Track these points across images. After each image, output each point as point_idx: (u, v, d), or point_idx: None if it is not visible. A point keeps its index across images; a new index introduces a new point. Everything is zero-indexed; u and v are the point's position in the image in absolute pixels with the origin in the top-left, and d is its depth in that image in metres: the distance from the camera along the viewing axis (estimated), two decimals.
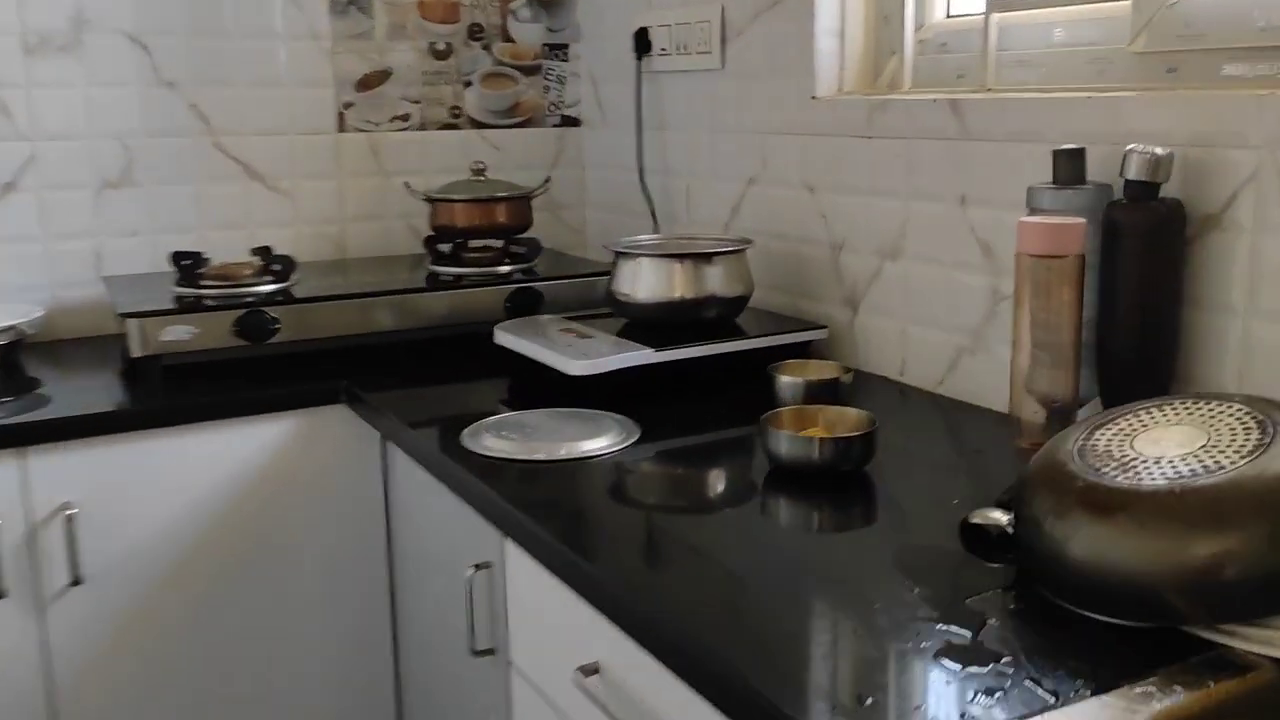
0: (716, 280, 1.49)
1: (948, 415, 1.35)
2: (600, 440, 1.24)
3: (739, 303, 1.52)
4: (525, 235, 1.89)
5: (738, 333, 1.49)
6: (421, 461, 1.31)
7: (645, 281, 1.50)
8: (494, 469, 1.18)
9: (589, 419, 1.31)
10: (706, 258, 1.49)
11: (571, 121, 2.18)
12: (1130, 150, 1.08)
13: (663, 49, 1.89)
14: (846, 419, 1.18)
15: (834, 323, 1.57)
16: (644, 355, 1.40)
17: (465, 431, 1.29)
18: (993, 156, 1.31)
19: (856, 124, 1.50)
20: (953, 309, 1.38)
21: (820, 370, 1.35)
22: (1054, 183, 1.16)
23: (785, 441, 1.12)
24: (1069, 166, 1.14)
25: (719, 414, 1.36)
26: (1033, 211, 1.17)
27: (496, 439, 1.25)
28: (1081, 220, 1.07)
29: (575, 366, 1.37)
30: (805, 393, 1.29)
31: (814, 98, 1.58)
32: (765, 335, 1.48)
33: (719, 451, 1.24)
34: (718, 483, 1.15)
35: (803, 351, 1.51)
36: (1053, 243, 1.07)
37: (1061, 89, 1.29)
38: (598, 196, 2.17)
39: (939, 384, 1.42)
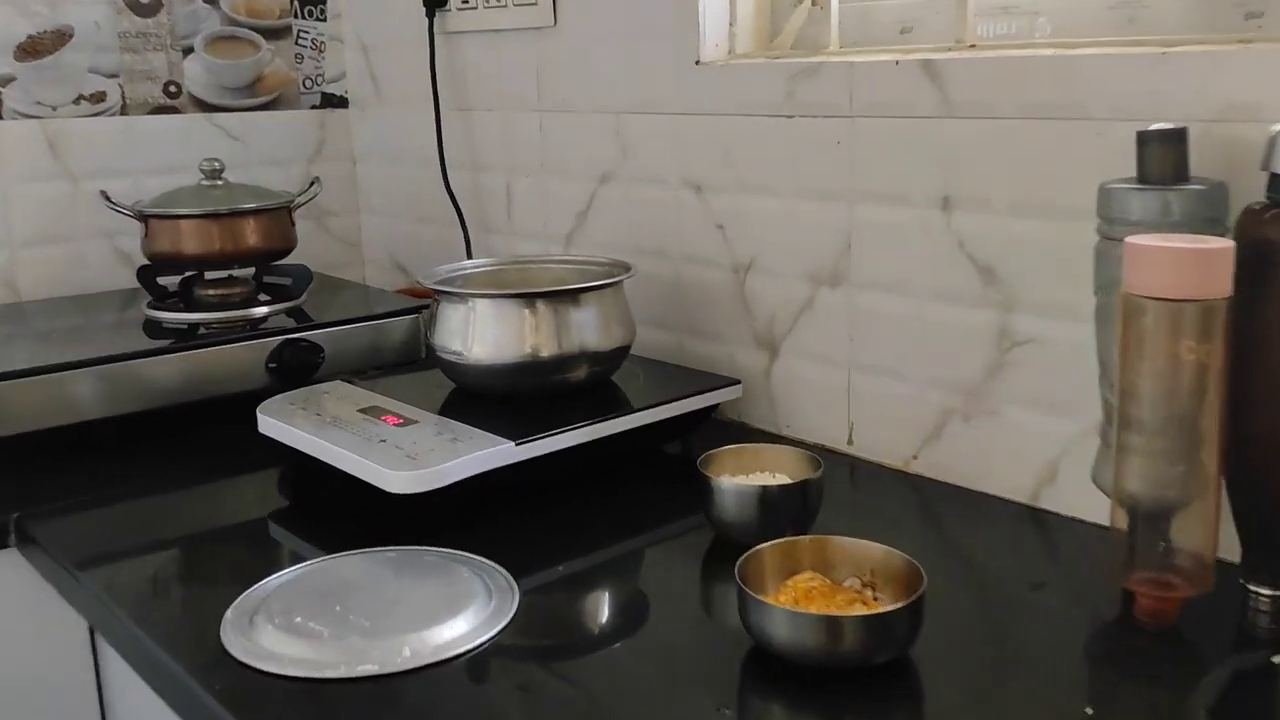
0: (589, 328, 1.03)
1: (948, 508, 0.95)
2: (459, 620, 0.76)
3: (617, 356, 1.07)
4: (287, 261, 1.36)
5: (621, 402, 1.04)
6: (154, 684, 0.78)
7: (484, 334, 1.02)
8: (282, 700, 0.69)
9: (431, 569, 0.83)
10: (572, 297, 1.03)
11: (336, 101, 1.65)
12: None
13: (465, 2, 1.40)
14: (854, 554, 0.76)
15: (742, 372, 1.14)
16: (500, 453, 0.93)
17: (227, 616, 0.78)
18: (994, 140, 0.91)
19: (768, 98, 1.07)
20: (935, 355, 0.99)
21: (773, 461, 0.92)
22: (1140, 180, 0.77)
23: (786, 622, 0.69)
24: (1165, 156, 0.76)
25: (620, 533, 0.91)
26: (1109, 225, 0.78)
27: (281, 632, 0.75)
28: (1230, 244, 0.69)
29: (398, 480, 0.88)
30: (761, 509, 0.85)
31: (699, 63, 1.14)
32: (665, 402, 1.03)
33: (659, 621, 0.79)
34: (680, 698, 0.69)
35: (703, 417, 1.07)
36: (1191, 277, 0.68)
37: (1100, 42, 0.91)
38: (377, 199, 1.65)
39: (911, 459, 1.02)
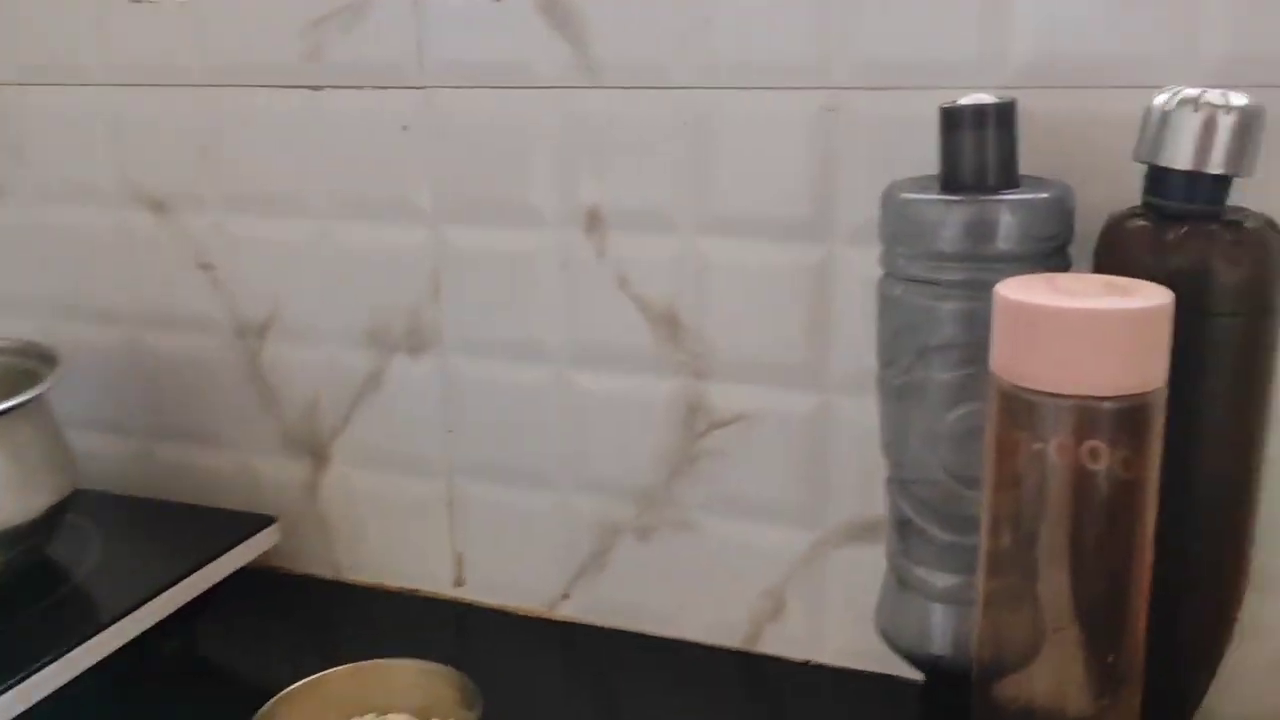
0: None
1: (618, 667, 0.63)
2: None
3: (45, 524, 0.61)
4: None
5: (65, 620, 0.58)
6: None
7: None
8: None
9: None
10: None
11: None
12: (1173, 98, 0.45)
13: None
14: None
15: (270, 493, 0.73)
16: None
17: None
18: (661, 124, 0.59)
19: (275, 56, 0.66)
20: (588, 445, 0.65)
21: (384, 689, 0.53)
22: (947, 184, 0.49)
23: None
24: (981, 142, 0.48)
25: None
26: (903, 254, 0.49)
27: None
28: (1170, 297, 0.42)
29: None
30: None
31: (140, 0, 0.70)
32: (147, 600, 0.59)
33: None
34: None
35: (219, 590, 0.65)
36: (1097, 364, 0.41)
37: None
38: None
39: (561, 599, 0.69)
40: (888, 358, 0.52)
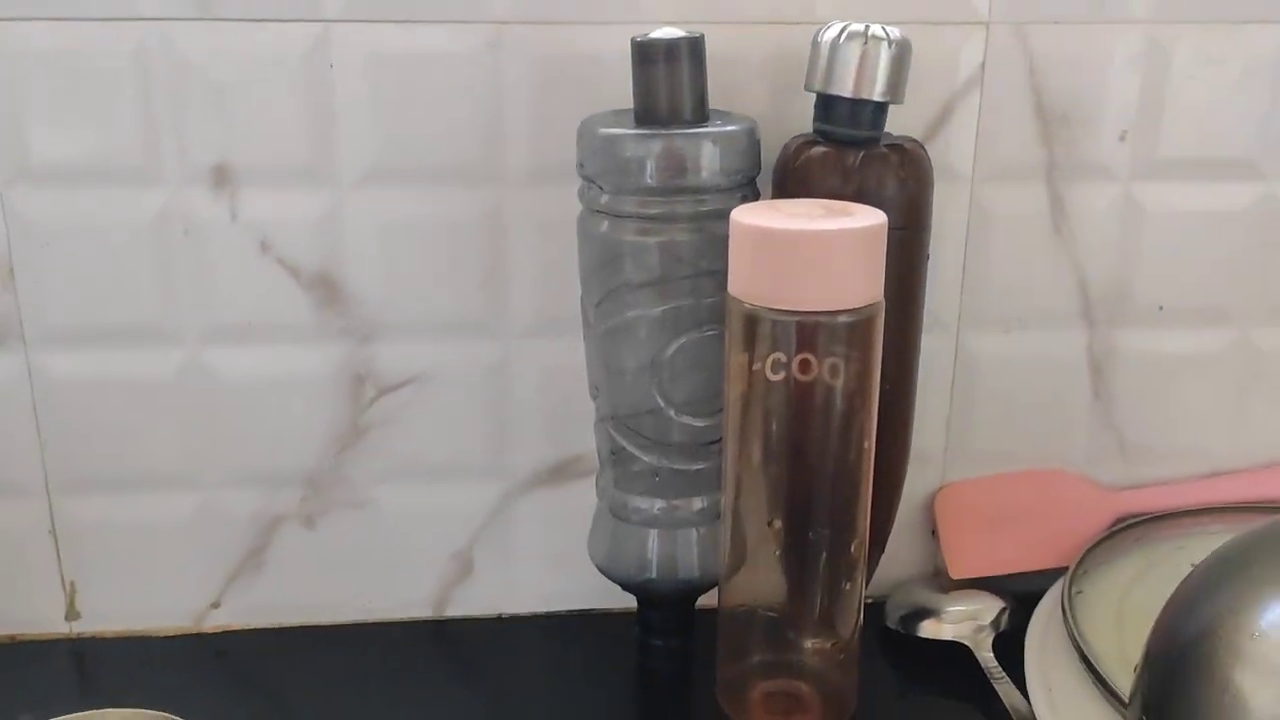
0: None
1: (294, 668, 0.57)
2: None
3: None
4: None
5: None
6: None
7: None
8: None
9: None
10: None
11: None
12: (842, 32, 0.49)
13: None
14: None
15: None
16: None
17: None
18: (286, 70, 0.53)
19: None
20: (225, 432, 0.58)
21: None
22: (641, 118, 0.49)
23: None
24: (676, 75, 0.49)
25: None
26: (600, 187, 0.49)
27: None
28: (883, 216, 0.46)
29: None
30: None
31: None
32: None
33: None
34: None
35: None
36: (835, 281, 0.44)
37: None
38: None
39: (211, 609, 0.60)
40: (593, 297, 0.51)
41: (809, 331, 0.45)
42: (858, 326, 0.45)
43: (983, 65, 0.56)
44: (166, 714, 0.45)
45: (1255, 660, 0.42)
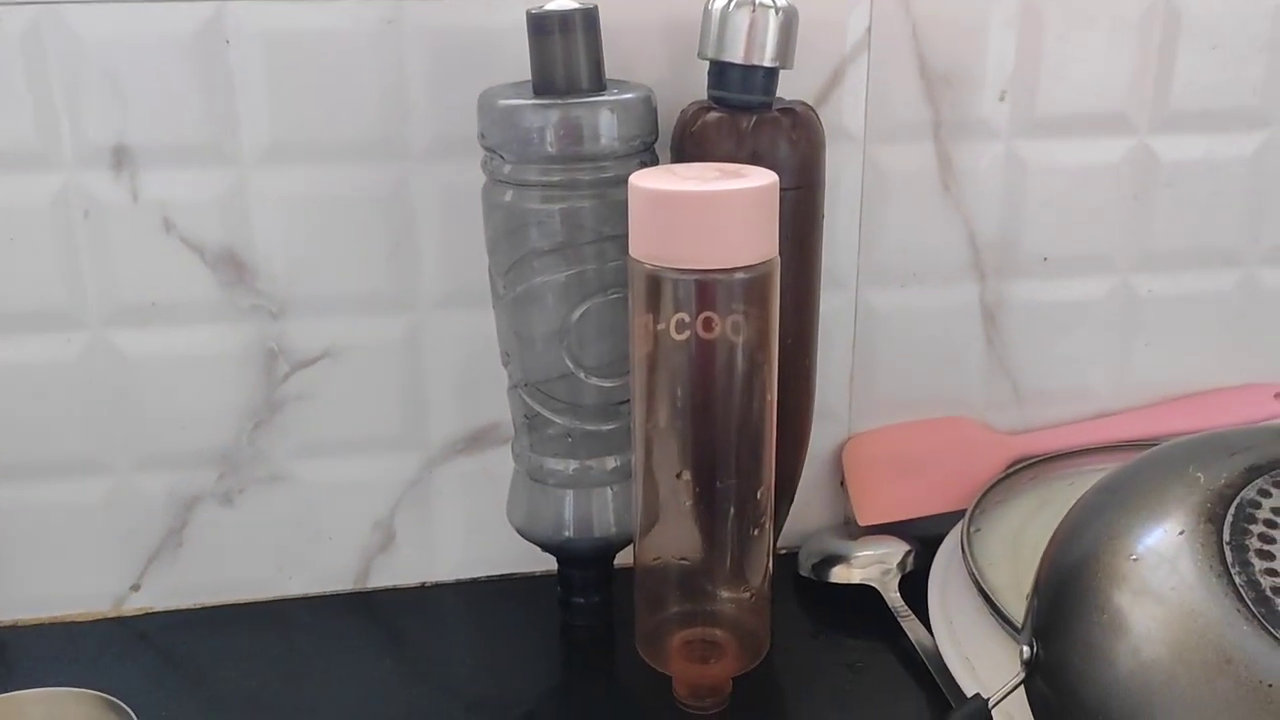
0: None
1: (210, 643, 0.58)
2: None
3: None
4: None
5: None
6: None
7: None
8: None
9: None
10: None
11: None
12: (731, 1, 0.51)
13: None
14: None
15: None
16: None
17: None
18: (181, 46, 0.53)
19: None
20: (133, 410, 0.58)
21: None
22: (540, 89, 0.50)
23: None
24: (571, 46, 0.50)
25: None
26: (503, 156, 0.50)
27: None
28: (774, 177, 0.47)
29: None
30: None
31: None
32: None
33: None
34: None
35: None
36: (731, 239, 0.45)
37: None
38: None
39: (130, 592, 0.60)
40: (501, 266, 0.52)
41: (709, 290, 0.46)
42: (755, 283, 0.47)
43: (869, 29, 0.58)
44: (88, 689, 0.45)
45: (1132, 581, 0.45)
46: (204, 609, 0.61)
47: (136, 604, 0.61)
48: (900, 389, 0.65)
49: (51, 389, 0.57)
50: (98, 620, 0.60)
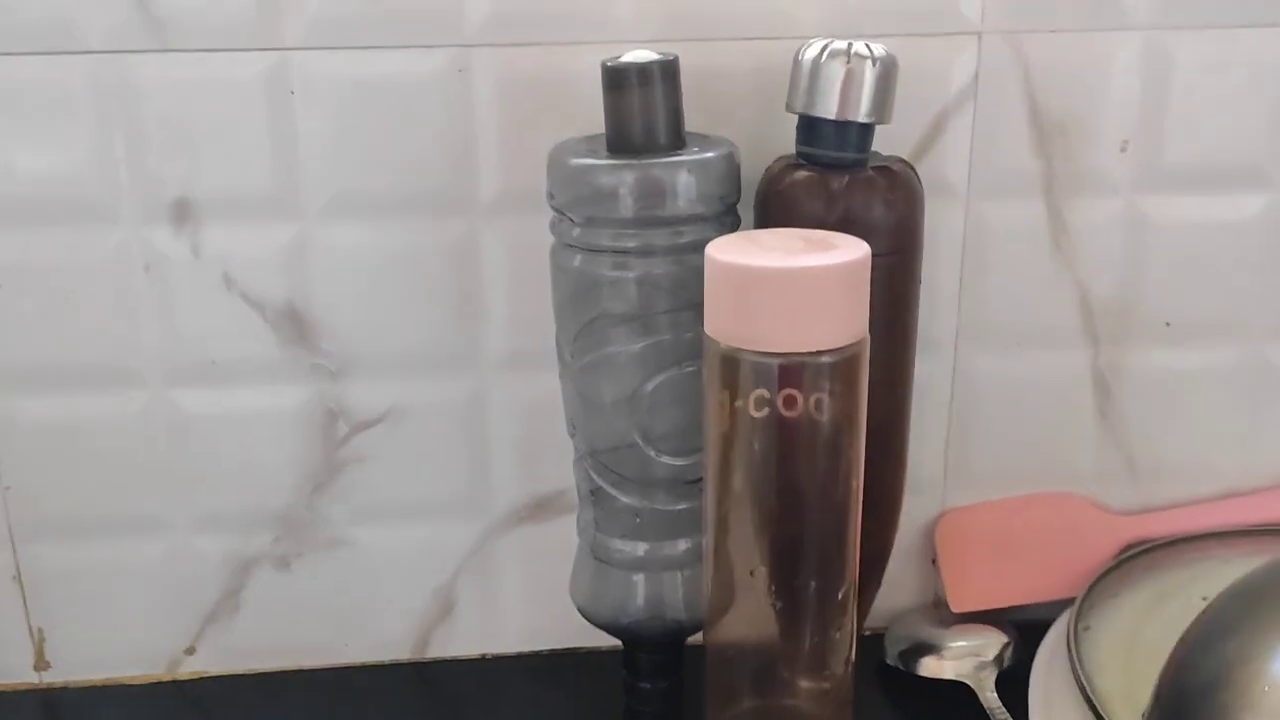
0: None
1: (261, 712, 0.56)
2: None
3: None
4: None
5: None
6: None
7: None
8: None
9: None
10: None
11: None
12: (824, 50, 0.47)
13: None
14: None
15: None
16: None
17: None
18: (245, 99, 0.51)
19: None
20: (198, 475, 0.56)
21: None
22: (614, 146, 0.47)
23: None
24: (649, 100, 0.46)
25: None
26: (572, 219, 0.46)
27: None
28: (866, 247, 0.43)
29: None
30: None
31: None
32: None
33: None
34: None
35: None
36: (816, 321, 0.41)
37: None
38: None
39: (185, 654, 0.58)
40: (569, 333, 0.49)
41: (792, 372, 0.42)
42: (842, 365, 0.42)
43: (975, 76, 0.54)
44: None
45: (1269, 713, 0.40)
46: (259, 674, 0.59)
47: (191, 667, 0.59)
48: (1000, 461, 0.60)
49: (111, 446, 0.55)
50: (152, 683, 0.59)
